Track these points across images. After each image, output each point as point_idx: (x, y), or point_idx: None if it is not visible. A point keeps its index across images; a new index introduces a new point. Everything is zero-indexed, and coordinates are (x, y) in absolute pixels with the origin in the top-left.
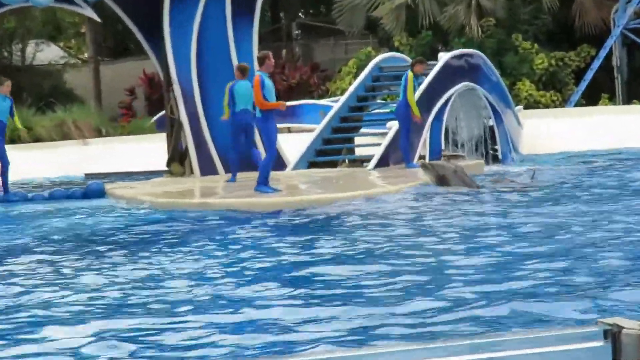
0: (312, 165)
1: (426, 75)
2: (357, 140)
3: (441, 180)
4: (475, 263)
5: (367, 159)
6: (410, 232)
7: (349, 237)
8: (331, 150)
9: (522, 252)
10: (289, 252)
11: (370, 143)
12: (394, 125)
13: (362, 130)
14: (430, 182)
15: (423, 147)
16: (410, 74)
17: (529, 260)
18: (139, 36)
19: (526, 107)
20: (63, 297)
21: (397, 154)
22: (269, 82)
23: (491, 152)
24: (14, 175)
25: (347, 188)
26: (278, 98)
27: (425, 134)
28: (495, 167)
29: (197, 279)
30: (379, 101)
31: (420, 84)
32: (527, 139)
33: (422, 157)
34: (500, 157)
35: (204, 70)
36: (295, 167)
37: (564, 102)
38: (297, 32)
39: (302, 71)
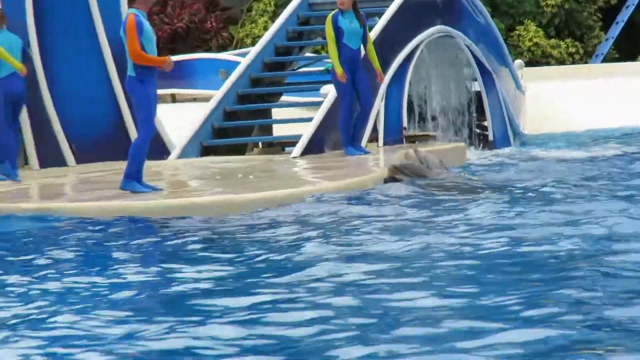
0: (208, 151)
1: (378, 16)
2: (276, 113)
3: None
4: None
5: (291, 142)
6: (352, 268)
7: (241, 267)
8: (236, 129)
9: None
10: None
11: (295, 118)
12: (330, 92)
13: (283, 98)
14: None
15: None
16: (330, 17)
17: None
18: None
19: (530, 64)
20: None
21: (336, 134)
22: (147, 26)
23: (477, 130)
24: None
25: (259, 186)
26: (160, 51)
27: (377, 105)
28: (484, 154)
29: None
30: (308, 55)
31: (371, 27)
32: (533, 112)
33: (404, 130)
34: (491, 138)
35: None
36: (183, 154)
37: (586, 56)
38: None
39: (192, 10)
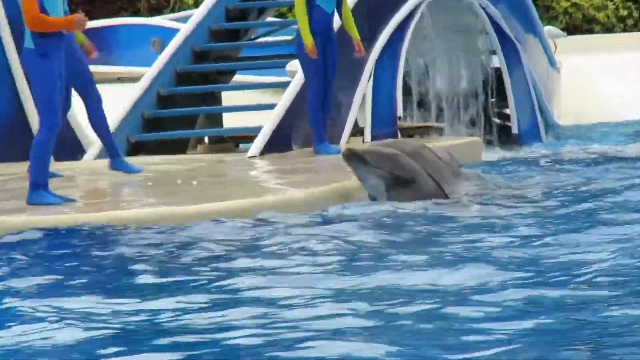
0: (137, 148)
1: None
2: (227, 98)
3: (395, 185)
4: None
5: (248, 137)
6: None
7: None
8: (175, 119)
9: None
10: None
11: (252, 105)
12: (298, 70)
13: (237, 78)
14: (366, 190)
15: (361, 112)
16: None
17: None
18: None
19: (568, 31)
20: None
21: (305, 127)
22: None
23: (497, 121)
24: None
25: (205, 196)
26: (72, 11)
27: (363, 87)
28: (506, 152)
29: None
30: (270, 20)
31: None
32: (571, 96)
33: (398, 119)
34: (515, 131)
35: None
36: (104, 153)
37: None
38: None
39: None
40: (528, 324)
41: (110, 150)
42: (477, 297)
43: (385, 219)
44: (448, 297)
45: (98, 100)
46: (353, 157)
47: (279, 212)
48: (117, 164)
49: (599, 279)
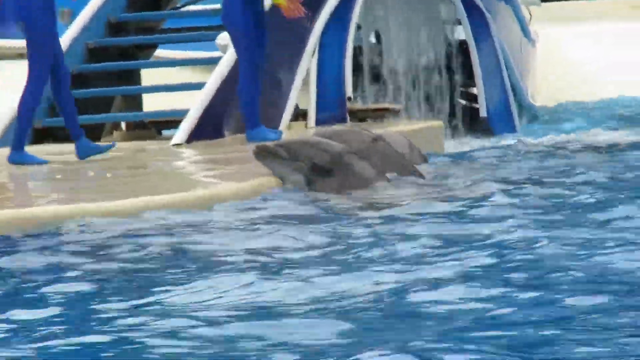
0: (44, 134)
1: None
2: (148, 76)
3: (317, 176)
4: None
5: (172, 121)
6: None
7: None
8: (87, 102)
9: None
10: None
11: (177, 84)
12: (228, 46)
13: (159, 54)
14: (287, 182)
15: (304, 92)
16: None
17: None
18: None
19: None
20: None
21: (236, 110)
22: None
23: (463, 102)
24: None
25: (121, 191)
26: None
27: (305, 64)
28: (473, 140)
29: None
30: None
31: None
32: (550, 73)
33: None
34: (484, 114)
35: None
36: (2, 141)
37: None
38: None
39: None
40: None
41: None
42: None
43: (326, 213)
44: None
45: None
46: (264, 154)
47: (208, 207)
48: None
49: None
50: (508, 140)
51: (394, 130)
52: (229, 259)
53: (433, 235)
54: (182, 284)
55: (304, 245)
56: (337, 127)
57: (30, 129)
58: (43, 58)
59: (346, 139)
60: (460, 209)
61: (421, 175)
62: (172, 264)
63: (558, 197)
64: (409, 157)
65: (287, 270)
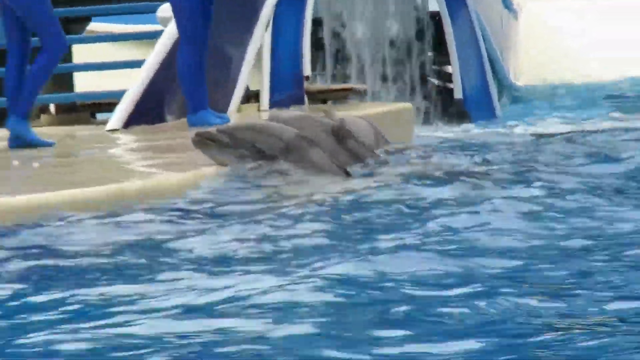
0: None
1: None
2: (80, 54)
3: (263, 163)
4: None
5: (107, 104)
6: None
7: None
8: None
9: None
10: None
11: (113, 62)
12: (171, 18)
13: (92, 27)
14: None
15: (256, 71)
16: None
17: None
18: None
19: None
20: None
21: (179, 92)
22: None
23: (435, 82)
24: None
25: (50, 182)
26: None
27: (258, 39)
28: (447, 126)
29: None
30: None
31: None
32: (534, 50)
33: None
34: (459, 95)
35: None
36: None
37: None
38: None
39: None
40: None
41: None
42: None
43: (270, 205)
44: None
45: None
46: (204, 141)
47: (147, 200)
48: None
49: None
50: (482, 124)
51: (357, 114)
52: (165, 257)
53: (385, 229)
54: (105, 289)
55: (242, 242)
56: (292, 111)
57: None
58: None
59: (302, 125)
60: (421, 204)
61: (383, 165)
62: (98, 266)
63: (534, 196)
64: (372, 145)
65: (226, 268)
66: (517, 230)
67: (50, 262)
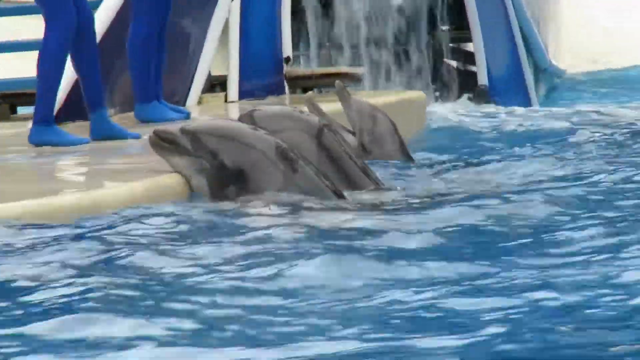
0: None
1: None
2: None
3: (225, 180)
4: None
5: (32, 94)
6: None
7: None
8: None
9: None
10: None
11: (36, 41)
12: None
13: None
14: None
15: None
16: None
17: None
18: None
19: None
20: None
21: (126, 78)
22: None
23: (453, 64)
24: None
25: None
26: None
27: (222, 13)
28: (468, 120)
29: None
30: None
31: None
32: (577, 26)
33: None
34: (484, 81)
35: None
36: None
37: None
38: None
39: None
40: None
41: None
42: None
43: (228, 239)
44: None
45: None
46: (161, 143)
47: (79, 218)
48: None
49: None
50: (515, 119)
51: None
52: (83, 289)
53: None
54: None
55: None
56: (270, 107)
57: None
58: None
59: (282, 126)
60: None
61: (389, 189)
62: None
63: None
64: (390, 151)
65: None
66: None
67: None
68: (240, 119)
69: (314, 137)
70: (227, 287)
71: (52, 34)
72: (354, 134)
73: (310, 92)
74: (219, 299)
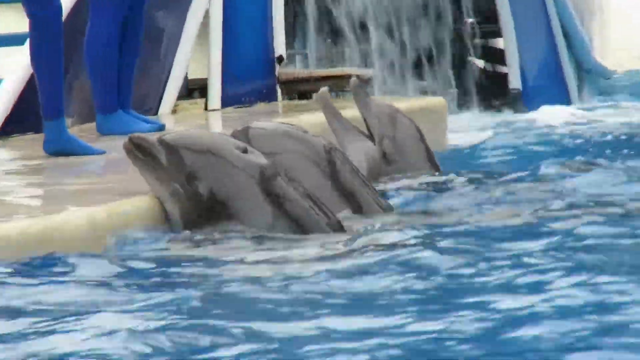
0: None
1: None
2: None
3: (199, 209)
4: None
5: None
6: None
7: None
8: None
9: None
10: None
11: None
12: None
13: None
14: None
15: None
16: None
17: None
18: None
19: None
20: None
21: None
22: None
23: (481, 65)
24: None
25: None
26: None
27: (200, 4)
28: (500, 130)
29: None
30: None
31: None
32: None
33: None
34: (517, 85)
35: None
36: None
37: None
38: None
39: None
40: None
41: None
42: None
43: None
44: None
45: None
46: (136, 153)
47: (31, 251)
48: None
49: None
50: (554, 129)
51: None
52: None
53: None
54: None
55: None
56: (269, 124)
57: None
58: None
59: (282, 147)
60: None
61: (388, 212)
62: None
63: None
64: (413, 164)
65: None
66: None
67: None
68: (234, 136)
69: (318, 161)
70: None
71: (99, 27)
72: (374, 141)
73: (324, 88)
74: None
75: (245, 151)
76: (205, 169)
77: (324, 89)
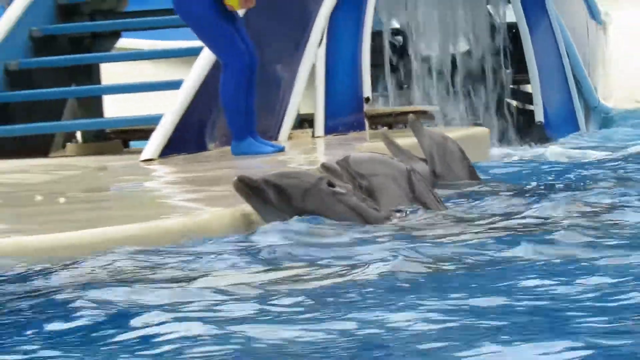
0: None
1: None
2: (109, 73)
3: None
4: None
5: (142, 131)
6: None
7: None
8: (31, 106)
9: None
10: None
11: (148, 82)
12: None
13: (123, 44)
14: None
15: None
16: None
17: None
18: None
19: None
20: None
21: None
22: None
23: (513, 103)
24: None
25: (75, 219)
26: None
27: (310, 56)
28: (527, 154)
29: None
30: None
31: None
32: (626, 66)
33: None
34: (540, 118)
35: None
36: None
37: None
38: None
39: None
40: None
41: None
42: None
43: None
44: None
45: None
46: (245, 189)
47: (189, 240)
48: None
49: None
50: (569, 152)
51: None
52: (201, 312)
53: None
54: (146, 330)
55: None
56: (364, 154)
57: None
58: None
59: (375, 171)
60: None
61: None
62: (136, 310)
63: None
64: (452, 176)
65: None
66: None
67: (87, 304)
68: (338, 164)
69: (400, 180)
70: None
71: (228, 75)
72: (425, 161)
73: (384, 128)
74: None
75: (331, 185)
76: (306, 202)
77: (384, 130)
